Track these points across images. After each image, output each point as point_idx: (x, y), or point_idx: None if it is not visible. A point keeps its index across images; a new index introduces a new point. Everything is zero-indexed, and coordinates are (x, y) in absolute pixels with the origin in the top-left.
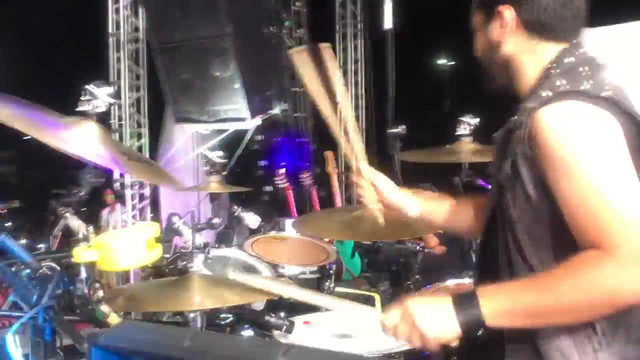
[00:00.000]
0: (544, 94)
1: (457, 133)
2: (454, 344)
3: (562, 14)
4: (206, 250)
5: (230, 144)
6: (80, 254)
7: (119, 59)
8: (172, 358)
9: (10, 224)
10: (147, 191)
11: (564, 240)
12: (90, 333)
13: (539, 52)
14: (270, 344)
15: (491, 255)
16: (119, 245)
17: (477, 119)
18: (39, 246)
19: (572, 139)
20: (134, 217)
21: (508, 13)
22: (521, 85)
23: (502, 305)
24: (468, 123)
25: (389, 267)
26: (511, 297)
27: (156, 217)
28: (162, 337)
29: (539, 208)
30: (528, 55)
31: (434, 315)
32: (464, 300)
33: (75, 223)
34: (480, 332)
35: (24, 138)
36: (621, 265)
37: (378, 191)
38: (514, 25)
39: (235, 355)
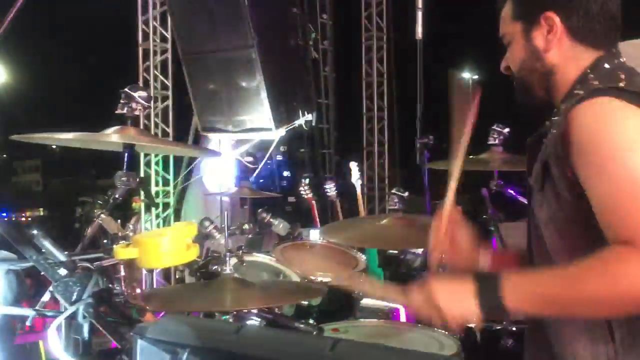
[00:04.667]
0: (578, 93)
1: (488, 142)
2: (475, 324)
3: (606, 21)
4: (240, 253)
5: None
6: (122, 251)
7: (146, 69)
8: (217, 351)
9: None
10: (171, 200)
11: (595, 240)
12: (136, 326)
13: (581, 58)
14: (317, 338)
15: (530, 261)
16: (160, 243)
17: (508, 129)
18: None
19: (605, 133)
20: (158, 225)
21: (556, 20)
22: (560, 92)
23: (525, 290)
24: (499, 132)
25: (412, 280)
26: (535, 283)
27: None
28: (207, 330)
29: (570, 208)
30: (571, 62)
31: (455, 297)
32: (486, 283)
33: (111, 224)
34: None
35: (51, 146)
36: None
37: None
38: (560, 32)
39: (281, 348)
